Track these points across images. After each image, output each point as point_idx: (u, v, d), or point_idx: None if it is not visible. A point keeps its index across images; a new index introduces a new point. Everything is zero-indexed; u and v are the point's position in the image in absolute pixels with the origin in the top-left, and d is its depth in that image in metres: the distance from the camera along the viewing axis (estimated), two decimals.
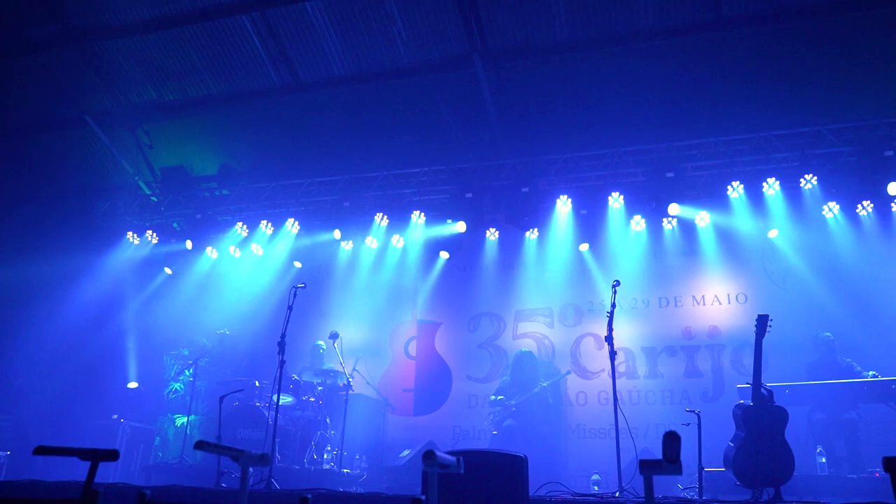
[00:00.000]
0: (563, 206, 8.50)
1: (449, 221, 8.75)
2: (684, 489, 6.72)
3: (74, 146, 10.09)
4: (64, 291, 9.47)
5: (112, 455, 2.70)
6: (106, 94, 9.52)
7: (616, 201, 8.35)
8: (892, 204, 7.69)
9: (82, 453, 2.67)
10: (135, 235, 9.76)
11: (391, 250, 9.60)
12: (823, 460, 6.64)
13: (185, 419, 9.08)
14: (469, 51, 8.17)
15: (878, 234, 7.84)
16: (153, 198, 10.11)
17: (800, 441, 6.59)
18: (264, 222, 9.43)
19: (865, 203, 7.74)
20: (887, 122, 7.52)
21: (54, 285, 9.47)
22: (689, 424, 5.43)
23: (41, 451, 2.75)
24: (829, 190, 7.76)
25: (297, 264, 9.59)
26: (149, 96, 9.57)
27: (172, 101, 9.59)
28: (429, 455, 2.56)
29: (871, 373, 6.91)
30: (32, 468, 7.09)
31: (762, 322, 5.38)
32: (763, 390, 5.27)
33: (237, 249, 9.64)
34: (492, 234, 9.25)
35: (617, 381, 5.88)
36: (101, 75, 9.31)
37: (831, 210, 7.91)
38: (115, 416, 8.99)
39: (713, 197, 8.12)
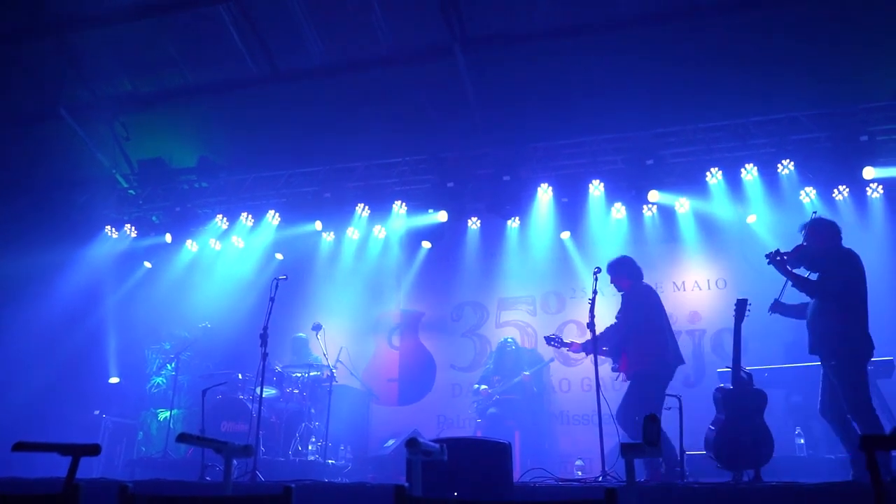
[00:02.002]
0: (545, 195, 8.52)
1: (430, 211, 8.74)
2: (666, 472, 6.80)
3: (50, 140, 9.93)
4: (42, 287, 9.35)
5: (93, 450, 2.68)
6: (81, 87, 9.36)
7: (596, 189, 8.39)
8: (868, 188, 7.80)
9: (63, 449, 2.65)
10: (113, 229, 9.64)
11: (373, 241, 9.58)
12: (802, 441, 6.77)
13: (167, 413, 9.04)
14: (449, 40, 8.13)
15: (854, 217, 7.95)
16: (131, 191, 10.00)
17: (779, 423, 6.69)
18: (245, 214, 9.36)
19: (842, 188, 7.84)
20: (862, 107, 7.61)
21: (32, 281, 9.34)
22: (670, 409, 5.50)
23: (21, 447, 2.73)
24: (806, 175, 7.85)
25: (279, 256, 9.55)
26: (125, 88, 9.43)
27: (149, 93, 9.46)
28: (412, 443, 2.57)
29: None
30: (12, 465, 7.01)
31: (741, 307, 5.44)
32: (743, 374, 5.34)
33: (217, 242, 9.57)
34: (473, 223, 9.27)
35: (599, 367, 5.92)
36: (76, 67, 9.16)
37: (808, 195, 8.00)
38: (96, 412, 8.92)
39: (692, 183, 8.17)
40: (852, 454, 4.86)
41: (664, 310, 6.01)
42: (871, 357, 4.98)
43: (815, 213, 5.47)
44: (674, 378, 8.46)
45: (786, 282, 5.21)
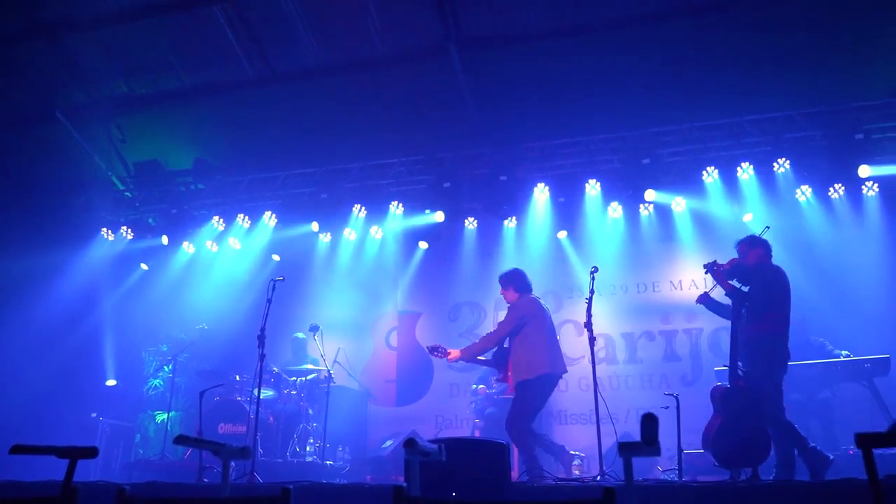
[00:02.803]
0: (541, 194, 8.53)
1: (427, 211, 8.74)
2: (664, 471, 6.82)
3: (46, 142, 9.90)
4: (38, 289, 9.32)
5: (90, 452, 2.68)
6: (77, 89, 9.33)
7: (593, 188, 8.40)
8: (863, 186, 7.82)
9: (60, 451, 2.65)
10: (109, 232, 9.63)
11: (370, 241, 9.57)
12: None
13: (165, 415, 9.02)
14: (444, 40, 8.13)
15: (850, 216, 7.98)
16: (127, 193, 9.98)
17: None
18: (241, 216, 9.36)
19: (837, 186, 7.87)
20: (857, 105, 7.64)
21: (28, 283, 9.32)
22: (668, 408, 5.51)
23: (18, 450, 2.72)
24: (802, 173, 7.87)
25: (276, 257, 9.54)
26: (120, 90, 9.41)
27: (144, 95, 9.44)
28: (410, 443, 2.58)
29: (843, 352, 7.04)
30: (10, 469, 7.00)
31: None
32: (740, 372, 5.35)
33: (214, 244, 9.56)
34: (470, 224, 9.27)
35: (597, 366, 5.94)
36: (71, 70, 9.13)
37: (804, 193, 8.03)
38: (93, 415, 8.90)
39: (689, 182, 8.19)
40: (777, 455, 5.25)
41: (547, 321, 6.08)
42: (785, 370, 5.43)
43: (767, 227, 5.85)
44: (672, 377, 8.53)
45: (715, 284, 5.67)
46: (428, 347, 6.40)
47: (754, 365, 5.35)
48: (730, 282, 5.56)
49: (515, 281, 6.23)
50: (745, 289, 5.55)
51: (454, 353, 6.22)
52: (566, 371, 6.06)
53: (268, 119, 9.29)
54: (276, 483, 5.59)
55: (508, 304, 6.26)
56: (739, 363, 5.39)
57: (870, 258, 7.82)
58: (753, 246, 5.72)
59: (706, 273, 5.76)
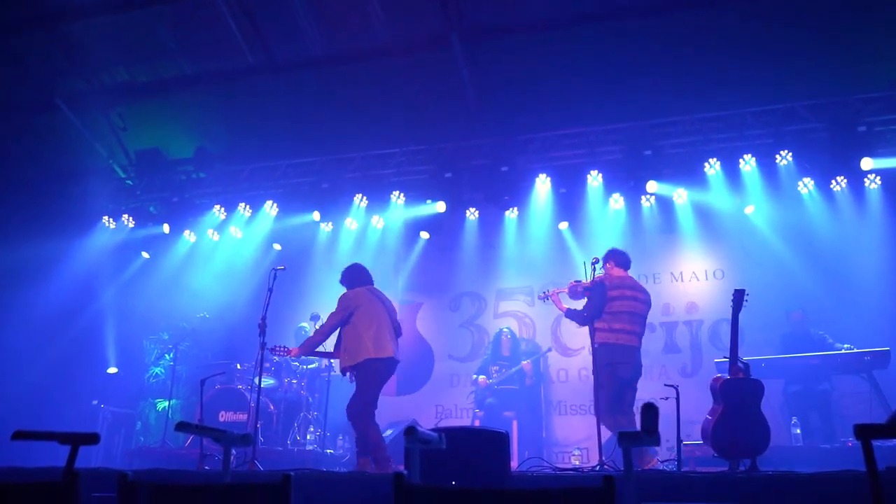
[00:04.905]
0: (543, 185, 8.52)
1: (429, 201, 8.73)
2: (663, 462, 6.84)
3: (47, 130, 9.89)
4: (40, 278, 9.33)
5: (92, 439, 2.69)
6: (77, 77, 9.32)
7: (595, 179, 8.38)
8: (866, 179, 7.80)
9: (62, 437, 2.65)
10: (110, 220, 9.62)
11: (371, 231, 9.57)
12: (798, 431, 6.80)
13: (166, 403, 9.05)
14: (446, 30, 8.10)
15: (852, 208, 7.96)
16: (128, 181, 9.98)
17: (775, 413, 6.75)
18: (242, 205, 9.35)
19: (839, 178, 7.85)
20: (859, 97, 7.60)
21: (30, 272, 9.32)
22: (667, 399, 5.52)
23: (20, 435, 2.73)
24: (804, 166, 7.85)
25: (277, 246, 9.54)
26: (121, 78, 9.40)
27: (146, 83, 9.42)
28: (410, 431, 2.58)
29: (845, 345, 7.06)
30: (11, 455, 7.02)
31: (738, 297, 5.45)
32: (740, 364, 5.36)
33: (215, 232, 9.56)
34: (472, 214, 9.25)
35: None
36: (72, 58, 9.11)
37: (806, 186, 8.01)
38: (95, 402, 8.92)
39: (690, 174, 8.17)
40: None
41: (376, 310, 6.11)
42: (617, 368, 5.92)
43: (595, 259, 6.19)
44: (672, 368, 8.55)
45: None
46: (269, 348, 6.49)
47: (596, 365, 5.90)
48: (565, 305, 6.32)
49: (347, 275, 6.36)
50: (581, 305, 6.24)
51: (294, 350, 6.38)
52: (396, 359, 6.08)
53: (269, 108, 9.26)
54: (277, 471, 5.62)
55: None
56: (740, 355, 5.40)
57: (871, 251, 7.81)
58: (606, 260, 6.34)
59: (544, 301, 6.61)
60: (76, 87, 9.39)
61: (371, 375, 5.88)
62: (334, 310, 6.16)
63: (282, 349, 6.44)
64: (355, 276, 6.35)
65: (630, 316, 6.02)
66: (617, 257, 6.30)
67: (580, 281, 6.27)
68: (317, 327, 6.61)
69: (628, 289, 6.10)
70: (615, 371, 5.89)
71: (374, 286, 6.34)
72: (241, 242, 9.65)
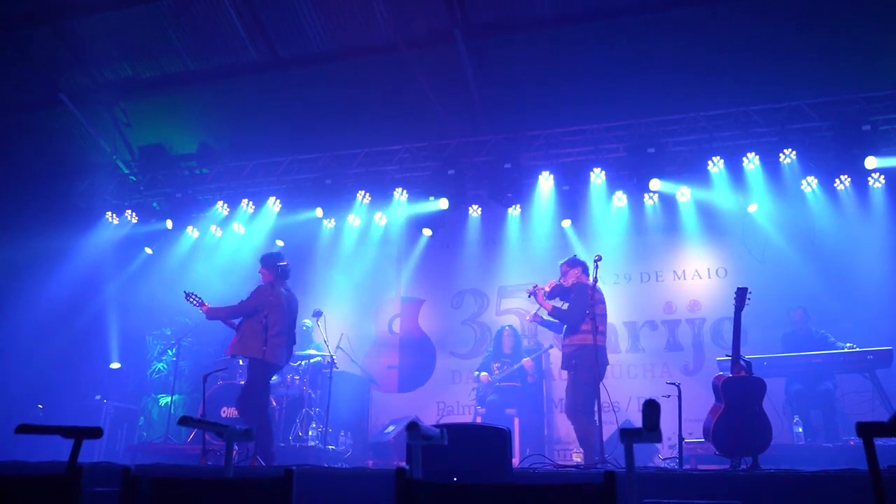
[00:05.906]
0: (546, 182, 8.50)
1: (431, 198, 8.72)
2: (665, 460, 6.84)
3: (51, 126, 9.91)
4: (43, 273, 9.36)
5: (95, 433, 2.69)
6: (81, 73, 9.33)
7: (598, 177, 8.37)
8: (870, 178, 7.78)
9: (65, 431, 2.66)
10: (114, 215, 9.64)
11: (374, 228, 9.57)
12: (800, 430, 6.79)
13: (168, 399, 9.07)
14: (450, 26, 8.08)
15: (856, 208, 7.94)
16: (132, 177, 9.98)
17: (777, 411, 6.73)
18: (245, 201, 9.36)
19: (843, 177, 7.82)
20: (864, 96, 7.58)
21: (33, 267, 9.35)
22: (669, 397, 5.51)
23: (23, 429, 2.74)
24: (808, 164, 7.83)
25: (280, 243, 9.53)
26: (125, 74, 9.40)
27: (149, 79, 9.43)
28: (412, 427, 2.59)
29: (847, 344, 7.05)
30: (15, 450, 7.06)
31: (741, 295, 5.44)
32: (742, 362, 5.35)
33: (218, 228, 9.56)
34: (474, 211, 9.25)
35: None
36: (76, 53, 9.11)
37: (810, 184, 7.99)
38: (97, 397, 8.95)
39: (694, 172, 8.16)
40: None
41: (284, 313, 6.31)
42: (604, 374, 6.09)
43: (598, 256, 6.13)
44: (674, 366, 8.54)
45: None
46: (185, 292, 6.65)
47: (576, 371, 6.06)
48: (550, 302, 6.42)
49: (272, 268, 6.41)
50: (565, 306, 6.36)
51: (206, 306, 6.53)
52: (280, 366, 6.34)
53: (272, 104, 9.27)
54: (279, 466, 5.63)
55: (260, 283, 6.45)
56: (742, 353, 5.40)
57: (875, 251, 7.80)
58: (573, 266, 6.47)
59: (529, 297, 6.64)
60: (80, 82, 9.40)
61: (258, 372, 6.12)
62: (247, 297, 6.30)
63: (196, 298, 6.57)
64: (281, 272, 6.41)
65: (604, 320, 6.22)
66: (584, 266, 6.46)
67: (560, 283, 6.47)
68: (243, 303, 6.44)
69: (599, 293, 6.21)
70: (600, 373, 6.00)
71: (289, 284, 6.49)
72: (243, 238, 9.66)
